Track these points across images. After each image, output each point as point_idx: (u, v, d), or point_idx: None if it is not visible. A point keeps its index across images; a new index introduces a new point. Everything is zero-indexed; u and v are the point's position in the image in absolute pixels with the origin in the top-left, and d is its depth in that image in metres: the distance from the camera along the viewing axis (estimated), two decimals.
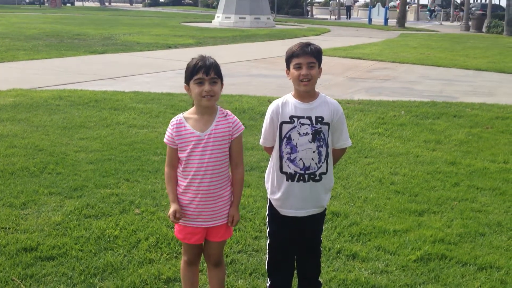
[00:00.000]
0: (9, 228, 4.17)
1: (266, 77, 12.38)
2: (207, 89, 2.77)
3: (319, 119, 3.00)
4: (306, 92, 3.01)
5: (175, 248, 3.89)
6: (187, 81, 2.85)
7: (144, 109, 8.33)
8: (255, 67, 14.07)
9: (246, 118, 7.93)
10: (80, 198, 4.79)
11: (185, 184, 2.88)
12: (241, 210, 4.61)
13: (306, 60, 2.95)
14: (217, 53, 17.19)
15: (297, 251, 3.25)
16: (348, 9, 51.30)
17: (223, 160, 2.89)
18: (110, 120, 7.60)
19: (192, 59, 2.86)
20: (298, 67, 2.95)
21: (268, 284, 3.31)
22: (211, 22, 33.86)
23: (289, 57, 3.01)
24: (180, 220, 2.90)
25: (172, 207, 2.87)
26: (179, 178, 2.92)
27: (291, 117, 3.01)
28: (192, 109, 2.91)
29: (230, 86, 11.01)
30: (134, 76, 11.93)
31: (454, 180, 5.59)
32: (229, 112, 2.94)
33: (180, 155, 2.88)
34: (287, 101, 3.05)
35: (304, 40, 3.31)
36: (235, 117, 2.94)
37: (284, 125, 3.02)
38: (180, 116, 2.90)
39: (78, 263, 3.67)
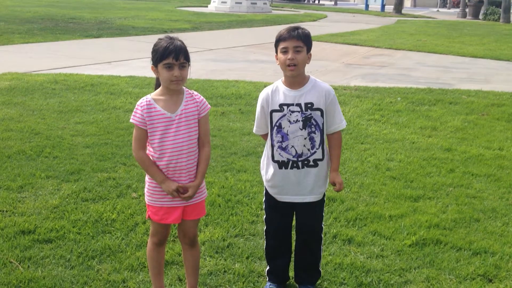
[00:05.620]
0: (6, 211, 4.18)
1: (263, 62, 12.34)
2: (176, 74, 2.77)
3: (309, 105, 2.98)
4: (293, 78, 2.98)
5: (172, 231, 3.91)
6: (155, 63, 2.82)
7: (140, 93, 8.29)
8: (252, 53, 14.02)
9: (243, 103, 7.92)
10: (77, 182, 4.80)
11: (161, 166, 2.86)
12: (238, 195, 4.63)
13: (293, 44, 2.91)
14: (213, 38, 17.17)
15: (296, 238, 3.25)
16: None
17: (196, 139, 2.90)
18: (106, 105, 7.59)
19: (160, 40, 2.82)
20: (285, 51, 2.92)
21: (266, 270, 3.33)
22: (207, 7, 33.60)
23: (277, 41, 2.99)
24: (157, 202, 2.91)
25: (171, 185, 2.84)
26: (154, 161, 2.89)
27: (281, 105, 2.99)
28: (159, 90, 2.89)
29: (227, 71, 10.99)
30: (130, 60, 11.86)
31: (450, 166, 5.63)
32: (195, 92, 2.95)
33: (151, 138, 2.85)
34: (277, 88, 3.03)
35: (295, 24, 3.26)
36: (202, 97, 2.95)
37: (274, 114, 3.00)
38: (148, 97, 2.88)
39: (76, 246, 3.69)
